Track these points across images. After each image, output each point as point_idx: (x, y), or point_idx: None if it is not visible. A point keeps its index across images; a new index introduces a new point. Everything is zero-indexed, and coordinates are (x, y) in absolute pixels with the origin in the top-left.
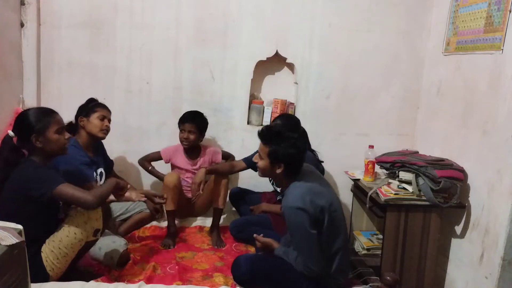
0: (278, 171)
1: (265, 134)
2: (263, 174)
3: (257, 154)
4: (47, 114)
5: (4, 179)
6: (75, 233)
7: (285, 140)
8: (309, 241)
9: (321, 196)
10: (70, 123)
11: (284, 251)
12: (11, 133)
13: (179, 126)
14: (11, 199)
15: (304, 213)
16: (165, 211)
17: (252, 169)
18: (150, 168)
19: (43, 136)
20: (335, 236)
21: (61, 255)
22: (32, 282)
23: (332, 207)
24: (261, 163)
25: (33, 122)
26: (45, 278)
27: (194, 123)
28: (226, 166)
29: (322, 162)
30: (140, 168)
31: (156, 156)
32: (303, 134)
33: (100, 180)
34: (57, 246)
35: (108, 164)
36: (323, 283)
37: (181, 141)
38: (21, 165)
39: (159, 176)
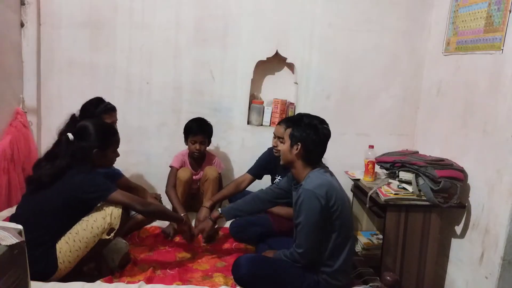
0: (295, 151)
1: (288, 119)
2: (283, 158)
3: (276, 139)
4: (114, 135)
5: (51, 182)
6: (92, 227)
7: (306, 123)
8: (311, 227)
9: (336, 192)
10: (73, 116)
11: (281, 252)
12: (71, 136)
13: (187, 138)
14: (56, 200)
15: (318, 202)
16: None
17: (258, 178)
18: (174, 198)
19: (103, 153)
20: (343, 235)
21: (74, 248)
22: (40, 272)
23: (343, 206)
24: (281, 146)
25: (101, 137)
26: (53, 270)
27: (204, 133)
28: (231, 188)
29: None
30: (140, 170)
31: (175, 175)
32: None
33: None
34: (72, 238)
35: None
36: (323, 284)
37: (193, 152)
38: (76, 171)
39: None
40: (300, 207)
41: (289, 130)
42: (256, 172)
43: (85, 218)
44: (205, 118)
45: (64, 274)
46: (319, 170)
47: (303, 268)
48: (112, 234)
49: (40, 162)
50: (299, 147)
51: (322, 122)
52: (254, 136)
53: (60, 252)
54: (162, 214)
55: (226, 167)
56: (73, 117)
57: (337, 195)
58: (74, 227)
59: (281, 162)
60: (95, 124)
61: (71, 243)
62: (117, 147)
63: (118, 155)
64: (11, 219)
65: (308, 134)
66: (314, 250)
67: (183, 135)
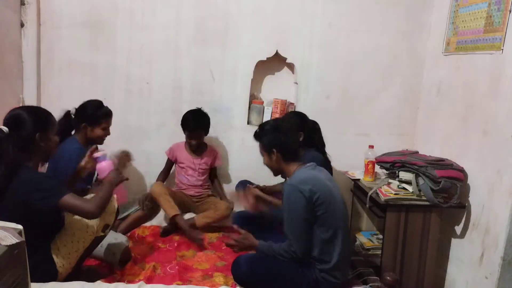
0: (275, 158)
1: (254, 135)
2: (271, 169)
3: None
4: (49, 115)
5: (6, 185)
6: (87, 226)
7: (267, 130)
8: (300, 224)
9: (321, 186)
10: (68, 113)
11: (268, 244)
12: (5, 129)
13: (184, 131)
14: (13, 207)
15: (303, 197)
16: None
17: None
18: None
19: (46, 135)
20: (331, 229)
21: (73, 249)
22: (40, 281)
23: (330, 200)
24: (264, 161)
25: (38, 120)
26: (54, 276)
27: (201, 128)
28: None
29: (330, 162)
30: (140, 170)
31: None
32: (295, 121)
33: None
34: (69, 240)
35: None
36: (322, 282)
37: (190, 145)
38: (21, 173)
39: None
40: (284, 202)
41: (260, 145)
42: None
43: (77, 217)
44: None
45: (65, 276)
46: (307, 166)
47: (301, 266)
48: (107, 231)
49: None
50: (275, 151)
51: (282, 119)
52: None
53: (57, 257)
54: (108, 193)
55: (226, 167)
56: (67, 113)
57: (322, 189)
58: (69, 228)
59: (274, 175)
60: (27, 108)
61: (70, 246)
62: (56, 128)
63: (58, 138)
64: None
65: (275, 136)
66: (303, 242)
67: (183, 136)
